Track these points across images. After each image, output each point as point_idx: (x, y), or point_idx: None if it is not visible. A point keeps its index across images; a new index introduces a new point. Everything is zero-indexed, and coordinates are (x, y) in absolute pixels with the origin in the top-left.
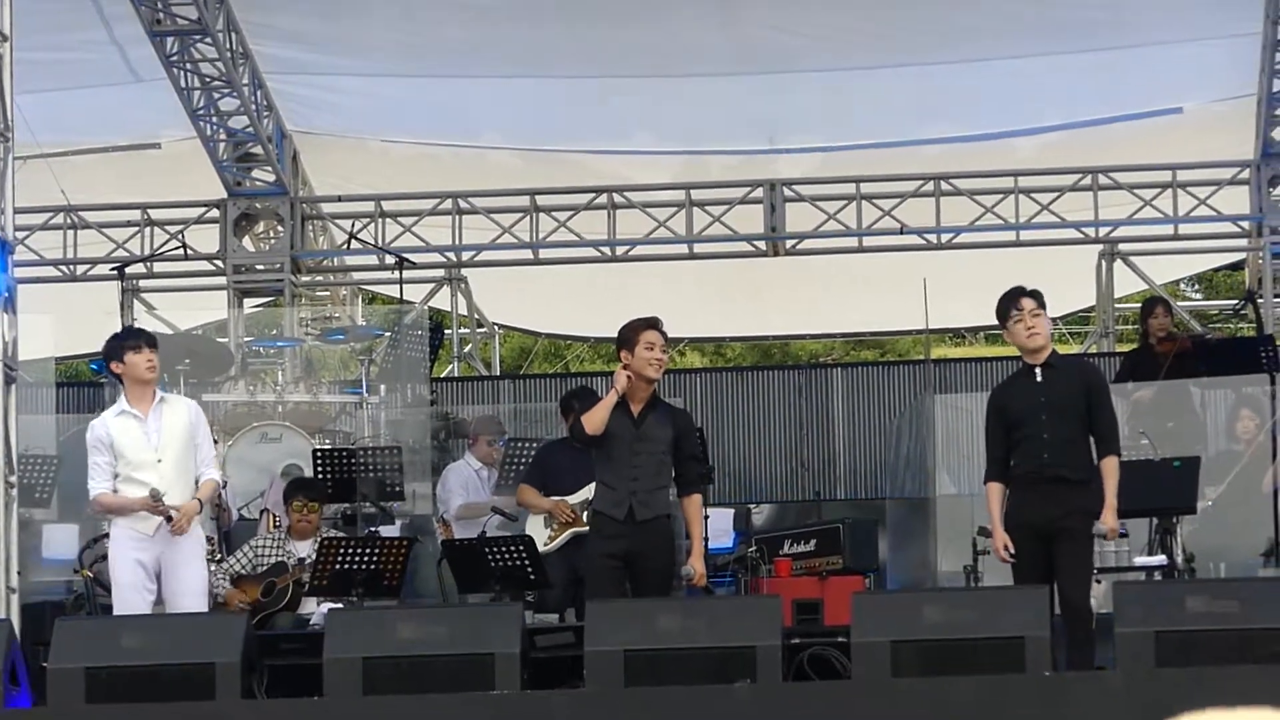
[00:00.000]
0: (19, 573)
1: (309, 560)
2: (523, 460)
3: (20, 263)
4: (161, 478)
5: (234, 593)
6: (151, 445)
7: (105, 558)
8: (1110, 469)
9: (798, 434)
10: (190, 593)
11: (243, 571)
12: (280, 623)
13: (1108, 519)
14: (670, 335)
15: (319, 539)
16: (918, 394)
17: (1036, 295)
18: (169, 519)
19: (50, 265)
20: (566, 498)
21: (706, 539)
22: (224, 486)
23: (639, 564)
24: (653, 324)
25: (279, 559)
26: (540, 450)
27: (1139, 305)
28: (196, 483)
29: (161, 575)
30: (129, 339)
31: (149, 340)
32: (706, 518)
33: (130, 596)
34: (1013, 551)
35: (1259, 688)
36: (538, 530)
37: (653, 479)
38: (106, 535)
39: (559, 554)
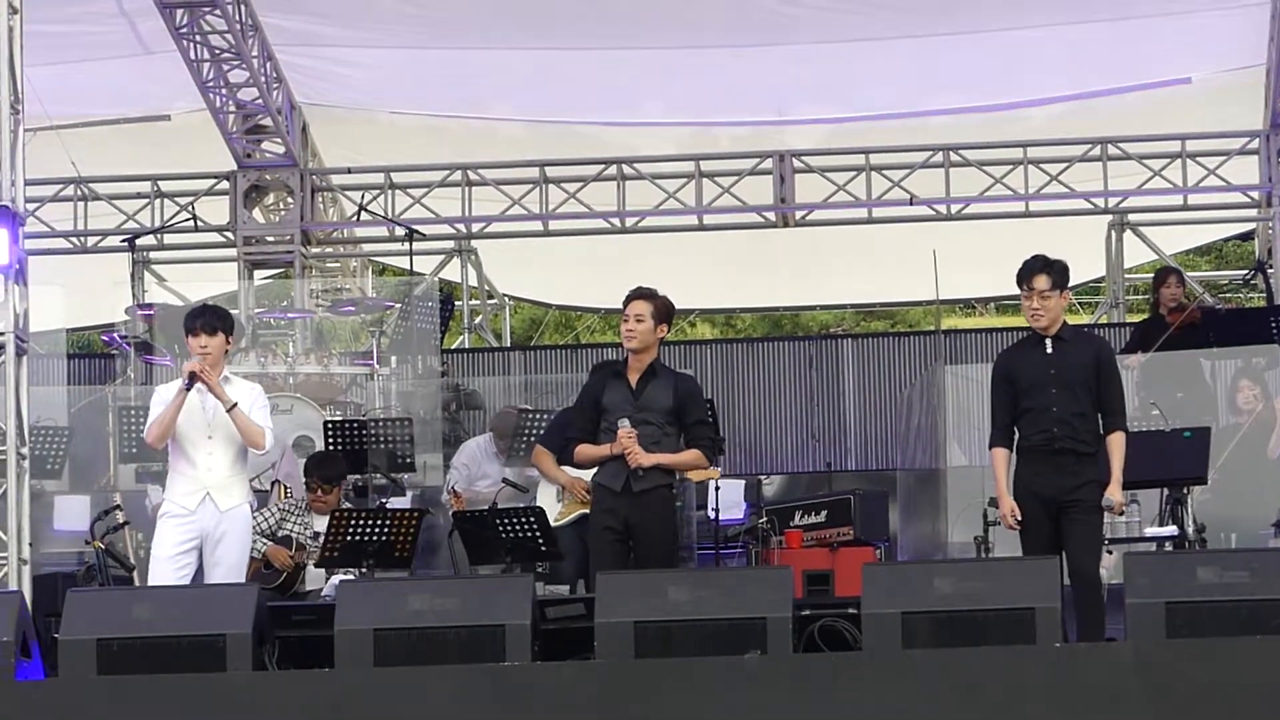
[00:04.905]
0: (30, 544)
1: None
2: (534, 432)
3: (31, 234)
4: (210, 455)
5: (278, 549)
6: (206, 420)
7: (117, 529)
8: (1117, 443)
9: (808, 405)
10: (225, 564)
11: (268, 531)
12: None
13: (1114, 493)
14: (680, 306)
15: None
16: (928, 365)
17: (1054, 270)
18: (195, 380)
19: (61, 237)
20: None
21: (717, 510)
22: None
23: (638, 535)
24: (632, 295)
25: (296, 532)
26: (560, 414)
27: (1148, 276)
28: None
29: (203, 548)
30: (187, 321)
31: (207, 325)
32: (718, 488)
33: (161, 570)
34: (1020, 519)
35: (1269, 659)
36: (548, 501)
37: (650, 449)
38: (118, 507)
39: (571, 525)
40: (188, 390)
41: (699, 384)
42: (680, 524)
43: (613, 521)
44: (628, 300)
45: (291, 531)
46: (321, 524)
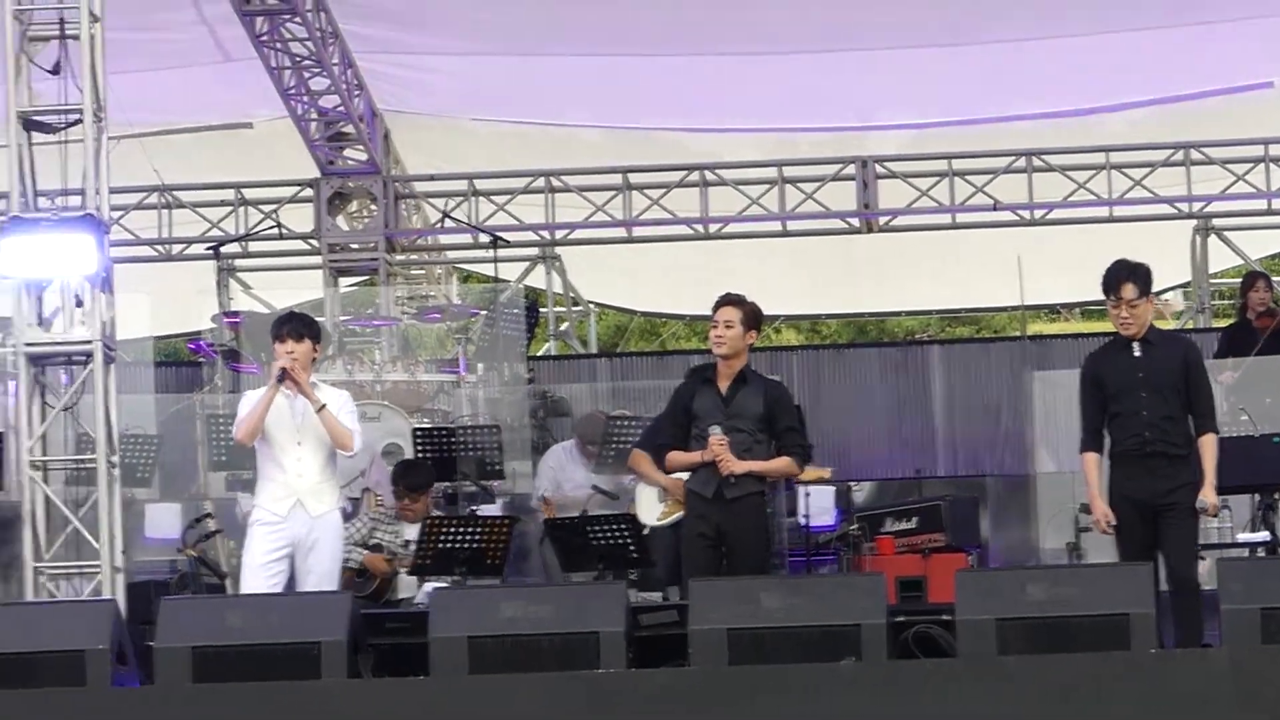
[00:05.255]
0: (123, 552)
1: (414, 542)
2: (625, 439)
3: (116, 242)
4: (299, 460)
5: (376, 558)
6: (295, 426)
7: (208, 537)
8: (1208, 446)
9: (896, 411)
10: (318, 572)
11: (360, 541)
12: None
13: (1208, 495)
14: (765, 312)
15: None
16: (1015, 370)
17: (1138, 276)
18: (286, 377)
19: (146, 245)
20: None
21: (808, 516)
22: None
23: (730, 542)
24: (721, 300)
25: (387, 540)
26: (657, 419)
27: (1234, 280)
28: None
29: (295, 556)
30: (274, 328)
31: (294, 331)
32: (808, 495)
33: (253, 577)
34: (1114, 523)
35: None
36: (650, 502)
37: (742, 457)
38: (209, 515)
39: (663, 531)
40: (279, 383)
41: (788, 390)
42: (772, 531)
43: (705, 528)
44: (717, 306)
45: (383, 540)
46: (412, 532)
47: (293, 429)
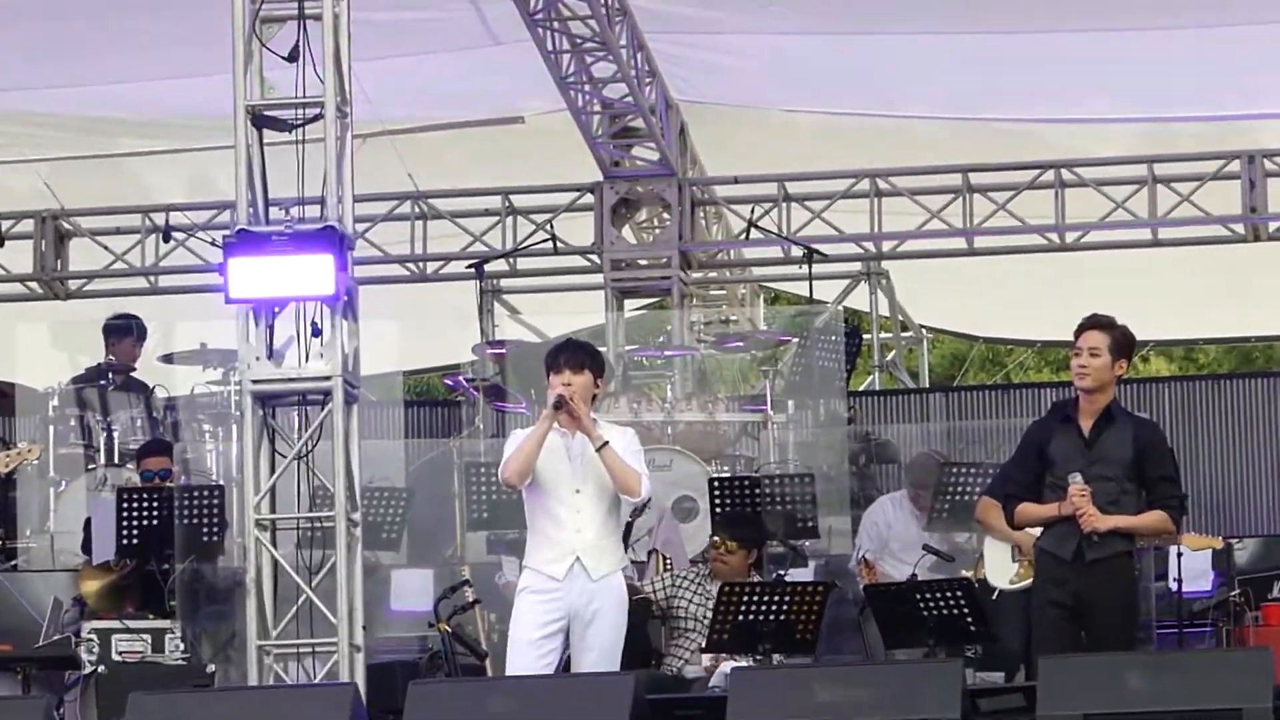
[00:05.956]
0: (364, 627)
1: None
2: (961, 489)
3: (361, 260)
4: (579, 512)
5: None
6: (573, 469)
7: (465, 608)
8: None
9: None
10: (599, 649)
11: (661, 600)
12: None
13: None
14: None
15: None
16: None
17: None
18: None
19: (396, 263)
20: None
21: (1180, 580)
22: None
23: (1091, 611)
24: (1086, 324)
25: (692, 607)
26: (1006, 465)
27: None
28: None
29: (571, 628)
30: (549, 358)
31: (572, 361)
32: (1180, 555)
33: (521, 656)
34: None
35: None
36: (1002, 561)
37: (1106, 510)
38: (466, 583)
39: (1010, 600)
40: (557, 410)
41: (1161, 431)
42: (1139, 598)
43: (1060, 595)
44: (1080, 330)
45: (685, 607)
46: None
47: (570, 472)
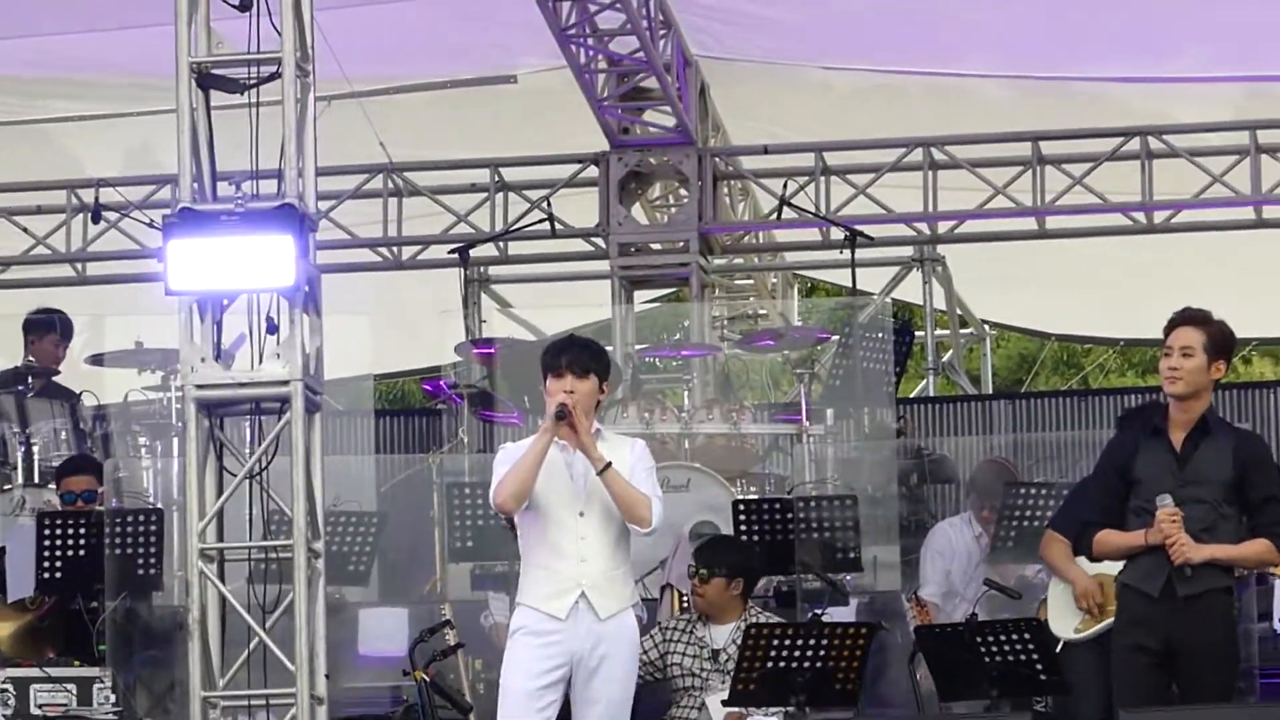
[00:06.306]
0: (327, 676)
1: (724, 651)
2: (1029, 514)
3: (326, 244)
4: (583, 540)
5: None
6: (575, 491)
7: (446, 654)
8: None
9: None
10: (605, 700)
11: (652, 663)
12: None
13: None
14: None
15: (742, 623)
16: None
17: None
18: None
19: (366, 246)
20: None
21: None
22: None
23: (1183, 657)
24: (1177, 319)
25: (685, 660)
26: (1078, 487)
27: None
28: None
29: (574, 676)
30: (548, 359)
31: (575, 364)
32: None
33: (515, 708)
34: None
35: None
36: (1065, 605)
37: (1200, 538)
38: (447, 623)
39: (1093, 641)
40: (559, 420)
41: (1266, 445)
42: (1238, 641)
43: (1146, 638)
44: (1171, 327)
45: (679, 661)
46: (721, 637)
47: (572, 493)
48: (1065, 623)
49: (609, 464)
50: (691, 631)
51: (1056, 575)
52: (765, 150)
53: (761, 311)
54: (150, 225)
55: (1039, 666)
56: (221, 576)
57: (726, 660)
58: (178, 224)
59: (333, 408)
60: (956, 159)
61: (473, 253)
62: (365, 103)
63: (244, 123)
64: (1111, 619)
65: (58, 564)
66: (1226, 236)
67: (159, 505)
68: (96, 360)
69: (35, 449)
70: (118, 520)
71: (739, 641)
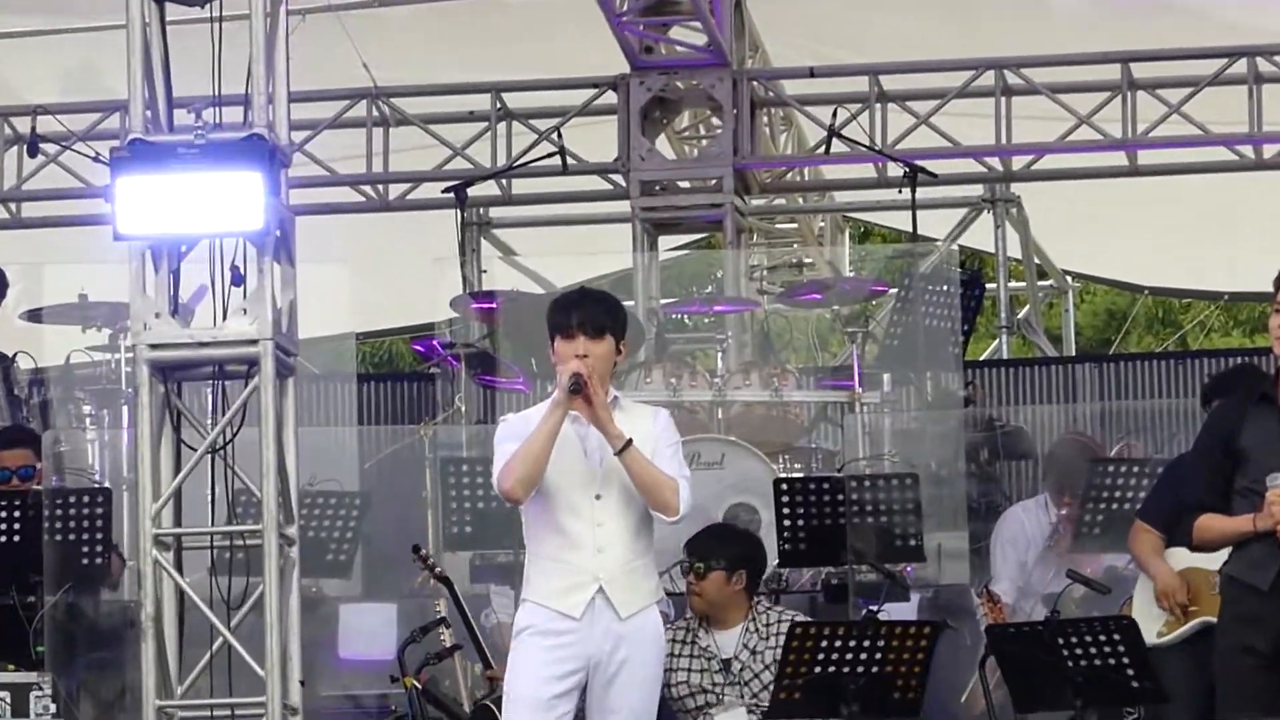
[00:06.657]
0: (302, 682)
1: (737, 660)
2: (1119, 495)
3: (300, 181)
4: (600, 526)
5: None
6: (591, 471)
7: (441, 657)
8: None
9: None
10: (627, 710)
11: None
12: None
13: None
14: None
15: (751, 624)
16: None
17: None
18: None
19: (348, 184)
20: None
21: None
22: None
23: None
24: None
25: (693, 670)
26: (1170, 467)
27: None
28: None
29: (590, 681)
30: (556, 315)
31: (589, 322)
32: None
33: (522, 718)
34: None
35: None
36: (1147, 606)
37: None
38: (442, 621)
39: (1186, 643)
40: (573, 394)
41: None
42: None
43: (1255, 638)
44: None
45: (686, 676)
46: (728, 644)
47: (587, 475)
48: (1148, 626)
49: (629, 441)
50: (694, 641)
51: (1146, 570)
52: (811, 73)
53: (807, 260)
54: (96, 159)
55: (1130, 672)
56: (179, 567)
57: (741, 669)
58: (128, 158)
59: (308, 371)
60: (1034, 84)
61: (471, 192)
62: (345, 17)
63: (205, 40)
64: (1198, 620)
65: None
66: None
67: (106, 484)
68: (34, 316)
69: None
70: (58, 501)
71: (752, 647)
